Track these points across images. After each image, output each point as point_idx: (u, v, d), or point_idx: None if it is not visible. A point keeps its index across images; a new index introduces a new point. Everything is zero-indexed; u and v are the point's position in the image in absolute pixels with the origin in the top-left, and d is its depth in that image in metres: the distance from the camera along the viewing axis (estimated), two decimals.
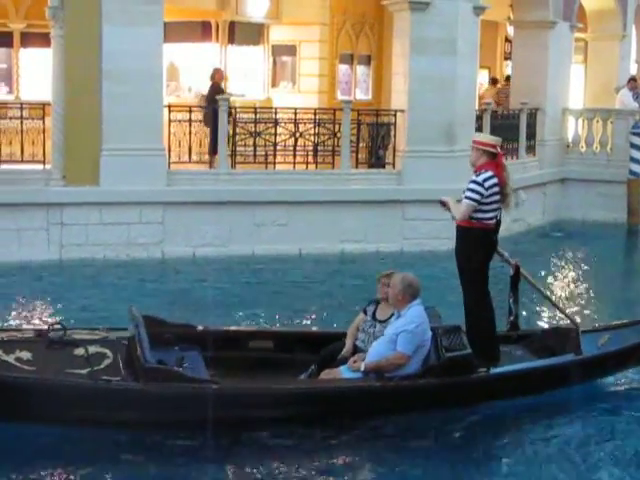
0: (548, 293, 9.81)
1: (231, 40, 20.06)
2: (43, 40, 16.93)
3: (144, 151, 14.76)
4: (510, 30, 24.02)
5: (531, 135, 19.89)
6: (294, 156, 16.38)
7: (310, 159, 16.67)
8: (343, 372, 8.22)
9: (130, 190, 14.60)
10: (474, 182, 8.55)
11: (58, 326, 8.45)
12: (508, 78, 23.35)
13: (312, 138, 16.58)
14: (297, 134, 16.34)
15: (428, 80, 16.29)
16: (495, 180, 8.56)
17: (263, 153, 16.29)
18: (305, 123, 16.52)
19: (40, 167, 15.31)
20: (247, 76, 20.57)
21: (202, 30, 19.94)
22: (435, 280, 13.75)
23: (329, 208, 15.77)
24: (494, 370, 8.50)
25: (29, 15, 18.48)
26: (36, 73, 18.78)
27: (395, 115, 16.70)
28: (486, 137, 9.40)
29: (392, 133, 16.80)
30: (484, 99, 20.53)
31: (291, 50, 21.69)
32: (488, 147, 8.71)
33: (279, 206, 15.54)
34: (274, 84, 21.49)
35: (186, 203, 15.10)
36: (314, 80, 21.40)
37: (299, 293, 13.37)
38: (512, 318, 9.42)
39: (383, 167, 17.01)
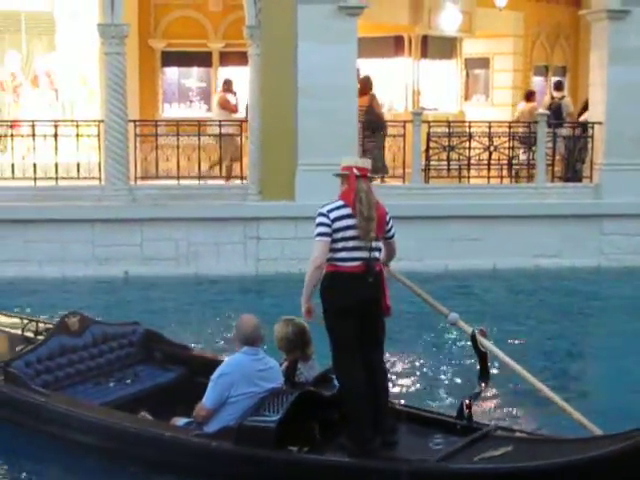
0: (529, 375, 7.14)
1: (424, 54, 20.03)
2: (240, 59, 17.34)
3: (339, 166, 14.84)
4: None
5: None
6: (488, 170, 16.21)
7: (505, 173, 16.49)
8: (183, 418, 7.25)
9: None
10: (319, 214, 6.73)
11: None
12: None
13: (507, 152, 16.40)
14: (491, 148, 16.17)
15: (627, 91, 15.75)
16: (344, 211, 6.71)
17: (457, 167, 16.21)
18: (499, 136, 16.34)
19: (238, 182, 15.72)
20: (440, 90, 20.49)
21: (395, 45, 19.99)
22: (629, 299, 13.36)
23: (524, 223, 15.49)
24: (302, 454, 6.62)
25: (227, 35, 18.97)
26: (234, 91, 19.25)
27: (592, 127, 16.27)
28: (346, 159, 7.16)
29: (589, 146, 16.38)
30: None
31: (484, 63, 21.54)
32: (342, 171, 6.96)
33: (473, 220, 15.37)
34: (467, 97, 21.36)
35: None
36: (508, 93, 21.17)
37: (489, 310, 13.10)
38: (466, 401, 6.94)
39: (580, 181, 16.58)
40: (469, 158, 16.13)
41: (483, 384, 7.00)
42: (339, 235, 6.66)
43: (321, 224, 6.68)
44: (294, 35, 14.96)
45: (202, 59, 19.55)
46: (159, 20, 18.97)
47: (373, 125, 16.01)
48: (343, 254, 6.67)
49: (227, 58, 19.47)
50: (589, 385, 10.16)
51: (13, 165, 15.47)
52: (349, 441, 6.63)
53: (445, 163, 16.16)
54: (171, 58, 19.43)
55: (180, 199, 15.23)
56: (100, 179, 15.40)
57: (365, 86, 16.37)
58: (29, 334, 8.74)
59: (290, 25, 14.95)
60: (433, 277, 14.68)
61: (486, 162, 16.22)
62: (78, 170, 15.44)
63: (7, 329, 9.12)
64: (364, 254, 6.70)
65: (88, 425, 7.32)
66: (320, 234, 6.68)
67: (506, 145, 16.34)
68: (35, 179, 15.34)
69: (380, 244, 6.89)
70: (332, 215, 6.69)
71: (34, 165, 15.33)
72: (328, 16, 14.91)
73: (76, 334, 8.34)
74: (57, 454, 7.51)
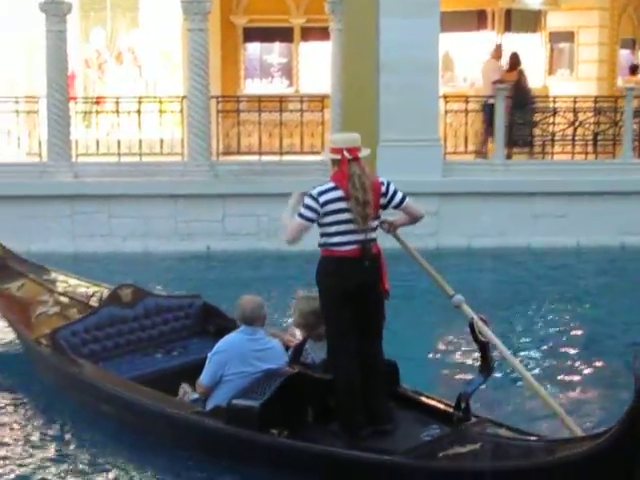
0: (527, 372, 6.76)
1: (507, 28, 19.76)
2: (322, 34, 17.32)
3: (420, 142, 14.77)
4: None
5: None
6: (573, 146, 15.96)
7: (589, 149, 16.22)
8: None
9: (406, 181, 14.42)
10: (309, 195, 6.52)
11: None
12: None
13: (591, 127, 16.12)
14: (576, 123, 15.91)
15: None
16: (335, 194, 6.48)
17: (540, 143, 15.99)
18: (584, 112, 16.06)
19: (318, 158, 15.69)
20: (524, 64, 20.22)
21: (478, 19, 19.77)
22: None
23: (609, 199, 15.19)
24: (280, 438, 6.42)
25: (309, 10, 18.97)
26: (315, 66, 19.26)
27: None
28: (335, 140, 6.98)
29: None
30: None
31: (569, 36, 21.18)
32: (332, 155, 6.73)
33: (557, 197, 15.11)
34: (551, 72, 21.03)
35: (462, 194, 15.00)
36: (593, 67, 20.81)
37: (572, 289, 12.88)
38: (465, 392, 6.54)
39: None
40: (553, 134, 15.91)
41: (484, 376, 6.55)
42: (330, 219, 6.44)
43: (308, 207, 6.46)
44: (376, 10, 14.84)
45: (284, 35, 19.59)
46: None
47: (521, 100, 15.98)
48: (337, 239, 6.45)
49: (309, 33, 19.46)
50: None
51: (98, 141, 15.70)
52: (340, 428, 6.53)
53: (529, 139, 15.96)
54: (253, 34, 19.50)
55: (261, 175, 15.28)
56: (182, 155, 15.53)
57: (514, 62, 16.66)
58: (94, 303, 8.79)
59: (372, 0, 14.86)
60: (515, 253, 14.58)
61: (570, 137, 15.97)
62: (161, 146, 15.62)
63: (76, 296, 9.19)
64: (359, 237, 6.48)
65: (109, 397, 7.44)
66: (302, 215, 6.46)
67: (591, 120, 16.05)
68: (119, 155, 15.54)
69: (375, 223, 6.66)
70: (322, 199, 6.46)
71: (118, 141, 15.53)
72: None
73: (128, 305, 8.42)
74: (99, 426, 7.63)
